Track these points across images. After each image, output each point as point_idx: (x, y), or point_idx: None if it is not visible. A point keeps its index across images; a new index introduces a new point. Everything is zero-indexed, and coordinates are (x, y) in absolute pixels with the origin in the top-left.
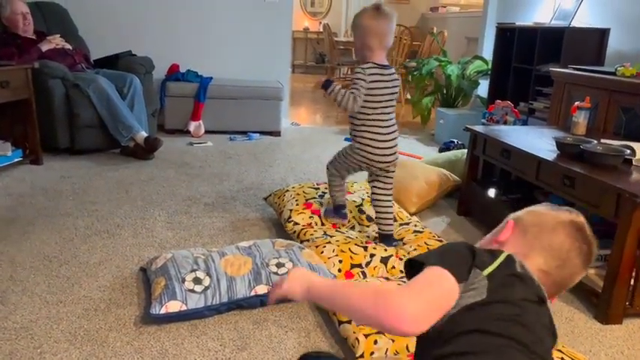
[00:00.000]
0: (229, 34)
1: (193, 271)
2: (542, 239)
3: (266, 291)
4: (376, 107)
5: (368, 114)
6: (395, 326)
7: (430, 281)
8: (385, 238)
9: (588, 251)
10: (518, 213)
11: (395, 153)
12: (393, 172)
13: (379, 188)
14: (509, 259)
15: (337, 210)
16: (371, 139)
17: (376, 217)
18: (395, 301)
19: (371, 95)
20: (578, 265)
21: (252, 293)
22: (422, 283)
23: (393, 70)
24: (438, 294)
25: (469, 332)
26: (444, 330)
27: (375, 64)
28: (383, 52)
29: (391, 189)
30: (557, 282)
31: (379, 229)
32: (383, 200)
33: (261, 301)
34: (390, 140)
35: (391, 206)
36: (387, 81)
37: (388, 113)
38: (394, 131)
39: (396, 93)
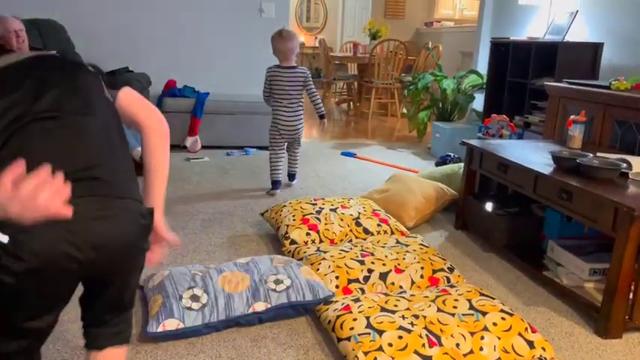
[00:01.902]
0: (226, 50)
1: (191, 288)
2: None
3: (265, 308)
4: (280, 93)
5: (276, 99)
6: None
7: None
8: (292, 176)
9: None
10: None
11: (297, 127)
12: (299, 143)
13: (292, 151)
14: None
15: (274, 184)
16: (278, 114)
17: (289, 165)
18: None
19: (274, 87)
20: None
21: (251, 310)
22: None
23: (296, 70)
24: None
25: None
26: None
27: (278, 66)
28: (288, 60)
29: (298, 152)
30: None
31: (290, 170)
32: (295, 157)
33: (259, 319)
34: (292, 117)
35: (297, 160)
36: (285, 76)
37: (290, 99)
38: (297, 111)
39: (297, 85)
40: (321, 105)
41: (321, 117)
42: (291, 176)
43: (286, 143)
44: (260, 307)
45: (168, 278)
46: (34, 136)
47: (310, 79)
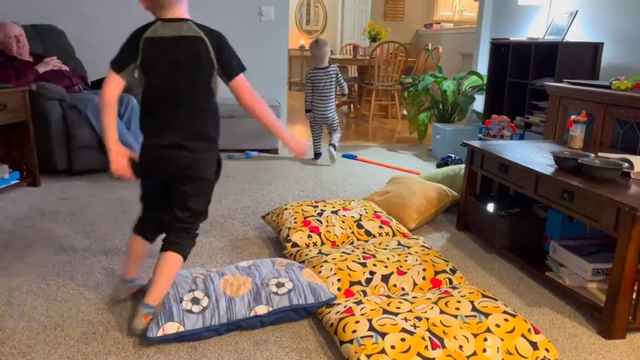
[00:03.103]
0: None
1: (191, 291)
2: None
3: (266, 311)
4: (316, 90)
5: (315, 93)
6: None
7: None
8: (333, 146)
9: None
10: None
11: (328, 114)
12: (336, 128)
13: (333, 130)
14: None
15: (316, 156)
16: (315, 106)
17: (331, 137)
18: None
19: (313, 84)
20: None
21: (252, 314)
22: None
23: (329, 69)
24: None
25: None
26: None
27: (315, 68)
28: (323, 62)
29: (337, 133)
30: None
31: (331, 141)
32: (335, 135)
33: (261, 322)
34: (324, 106)
35: (338, 137)
36: (321, 75)
37: (322, 91)
38: (329, 102)
39: (331, 81)
40: (344, 87)
41: (343, 94)
42: (333, 146)
43: (323, 126)
44: (262, 310)
45: None
46: (165, 107)
47: (339, 73)
